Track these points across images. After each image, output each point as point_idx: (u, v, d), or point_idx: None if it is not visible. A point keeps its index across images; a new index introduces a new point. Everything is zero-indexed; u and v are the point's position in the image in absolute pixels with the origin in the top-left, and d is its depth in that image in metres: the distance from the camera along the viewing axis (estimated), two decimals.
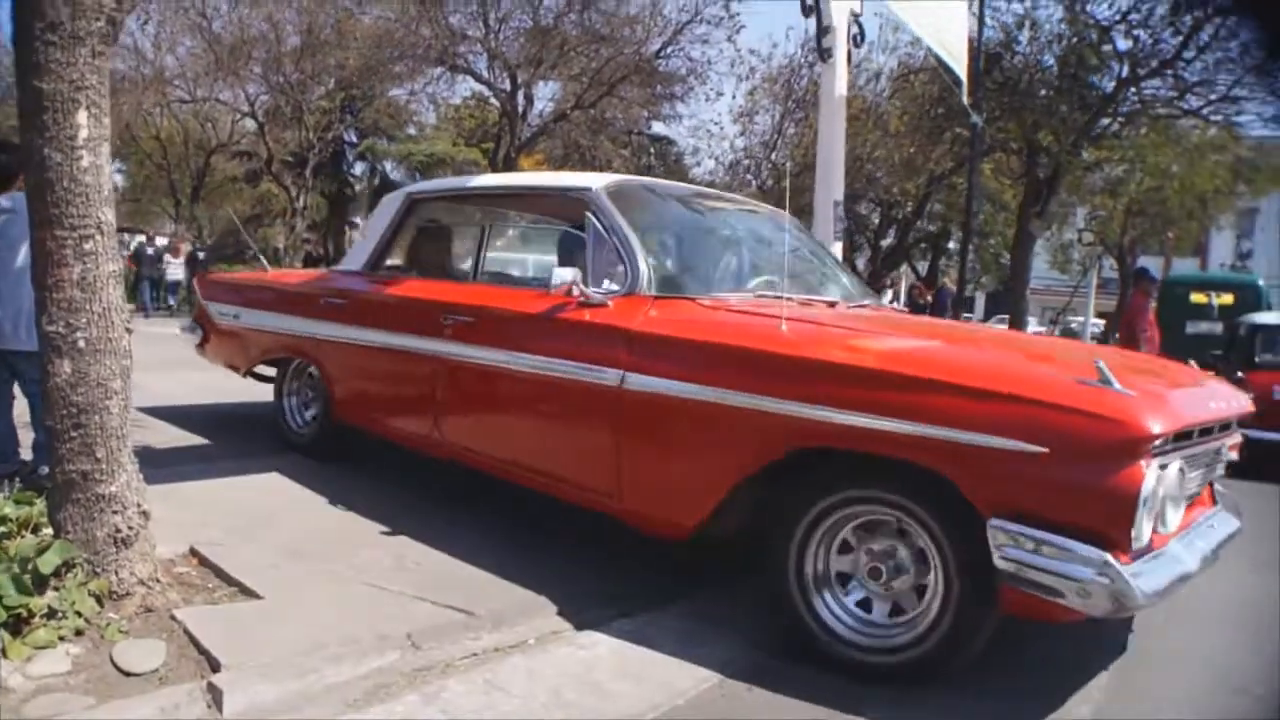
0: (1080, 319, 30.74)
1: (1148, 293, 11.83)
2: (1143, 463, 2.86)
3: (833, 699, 3.13)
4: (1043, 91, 15.72)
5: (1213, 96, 15.94)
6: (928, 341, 4.03)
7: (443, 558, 4.22)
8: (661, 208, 5.11)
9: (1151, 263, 38.24)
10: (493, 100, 25.73)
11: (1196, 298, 15.63)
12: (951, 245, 28.31)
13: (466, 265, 6.13)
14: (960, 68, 10.60)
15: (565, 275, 4.19)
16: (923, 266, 30.55)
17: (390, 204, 5.99)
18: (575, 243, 4.86)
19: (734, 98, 24.97)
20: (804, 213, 8.46)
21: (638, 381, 3.89)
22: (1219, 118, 16.72)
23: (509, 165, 24.11)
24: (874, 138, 20.48)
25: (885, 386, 3.21)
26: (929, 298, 22.84)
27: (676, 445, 3.88)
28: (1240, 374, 10.69)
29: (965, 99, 11.28)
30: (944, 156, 20.09)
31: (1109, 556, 2.81)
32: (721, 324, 3.97)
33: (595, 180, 4.75)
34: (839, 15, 8.20)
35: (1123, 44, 15.69)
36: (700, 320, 4.03)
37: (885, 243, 27.72)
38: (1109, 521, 2.88)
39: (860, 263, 26.58)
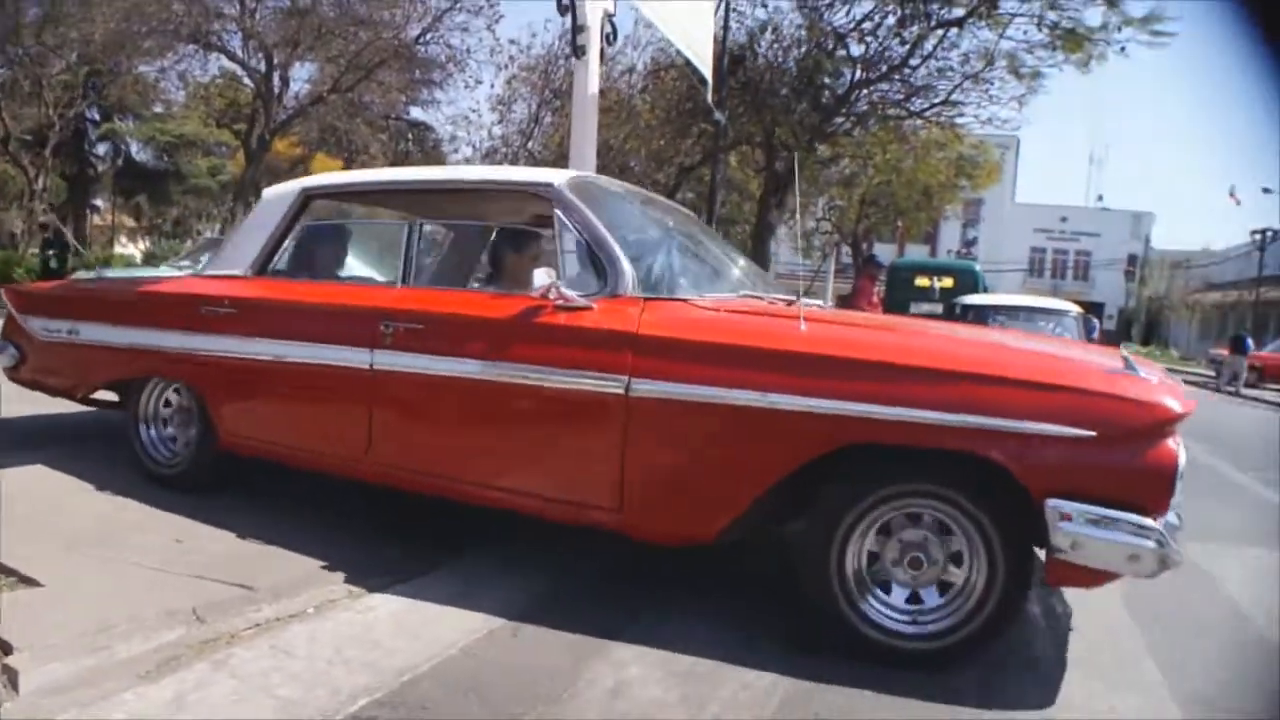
0: (819, 302, 32.53)
1: (873, 277, 12.94)
2: (1174, 440, 3.22)
3: (586, 642, 3.50)
4: (782, 92, 16.63)
5: (935, 100, 17.34)
6: (953, 337, 4.32)
7: (221, 538, 4.26)
8: (618, 205, 4.74)
9: (886, 250, 40.77)
10: (246, 81, 25.06)
11: (920, 281, 17.05)
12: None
13: (389, 267, 5.26)
14: (706, 68, 11.15)
15: (544, 277, 3.89)
16: None
17: (278, 200, 5.26)
18: (518, 241, 4.92)
19: (492, 86, 25.23)
20: None
21: (648, 387, 3.69)
22: (941, 119, 18.17)
23: (264, 148, 23.59)
24: (626, 130, 21.13)
25: (944, 382, 3.33)
26: None
27: (699, 451, 3.73)
28: None
29: (710, 97, 11.87)
30: (693, 149, 20.89)
31: (1159, 525, 3.13)
32: (743, 326, 3.86)
33: (556, 175, 4.48)
34: (593, 14, 8.27)
35: (856, 50, 16.86)
36: (712, 322, 3.88)
37: None
38: (1152, 494, 3.17)
39: None
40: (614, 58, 20.81)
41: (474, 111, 31.47)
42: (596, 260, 4.09)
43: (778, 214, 18.62)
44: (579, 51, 8.46)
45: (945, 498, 3.39)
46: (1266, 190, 46.79)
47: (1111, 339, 44.39)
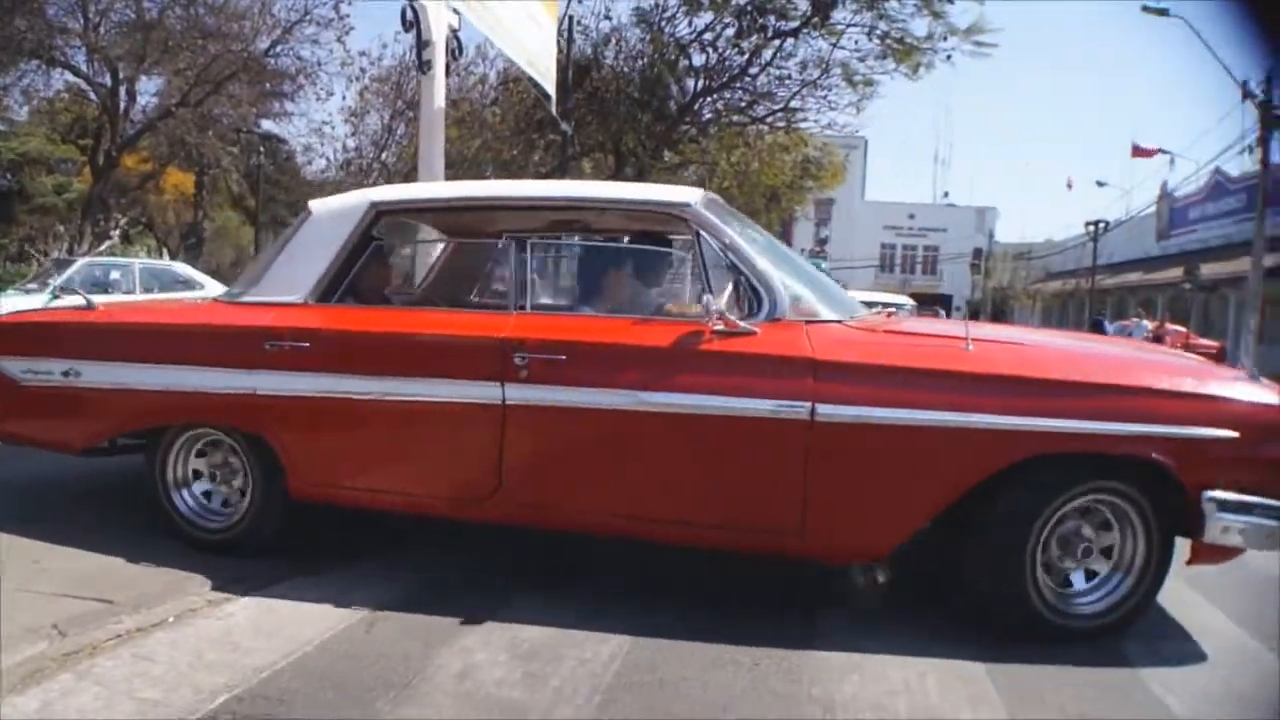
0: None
1: None
2: None
3: (437, 631, 3.70)
4: (628, 101, 17.13)
5: (776, 107, 18.09)
6: (1099, 349, 4.85)
7: (81, 556, 4.27)
8: (741, 225, 4.53)
9: None
10: (92, 96, 24.60)
11: None
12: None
13: (497, 291, 4.96)
14: (548, 82, 11.49)
15: (717, 303, 3.85)
16: None
17: (339, 217, 4.66)
18: (658, 262, 4.70)
19: (344, 98, 25.17)
20: None
21: (833, 411, 3.72)
22: (783, 124, 18.95)
23: (111, 164, 23.22)
24: (477, 143, 21.40)
25: (1119, 395, 3.74)
26: None
27: (887, 470, 3.81)
28: None
29: (554, 109, 12.28)
30: (545, 159, 21.27)
31: None
32: (918, 349, 4.03)
33: (691, 194, 4.33)
34: (438, 30, 8.51)
35: (698, 59, 17.50)
36: (885, 345, 4.03)
37: None
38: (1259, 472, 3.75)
39: None
40: (466, 68, 21.11)
41: (327, 124, 31.13)
42: (741, 283, 4.05)
43: None
44: (424, 67, 8.60)
45: (1122, 494, 3.80)
46: (1100, 184, 49.49)
47: None
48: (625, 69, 17.68)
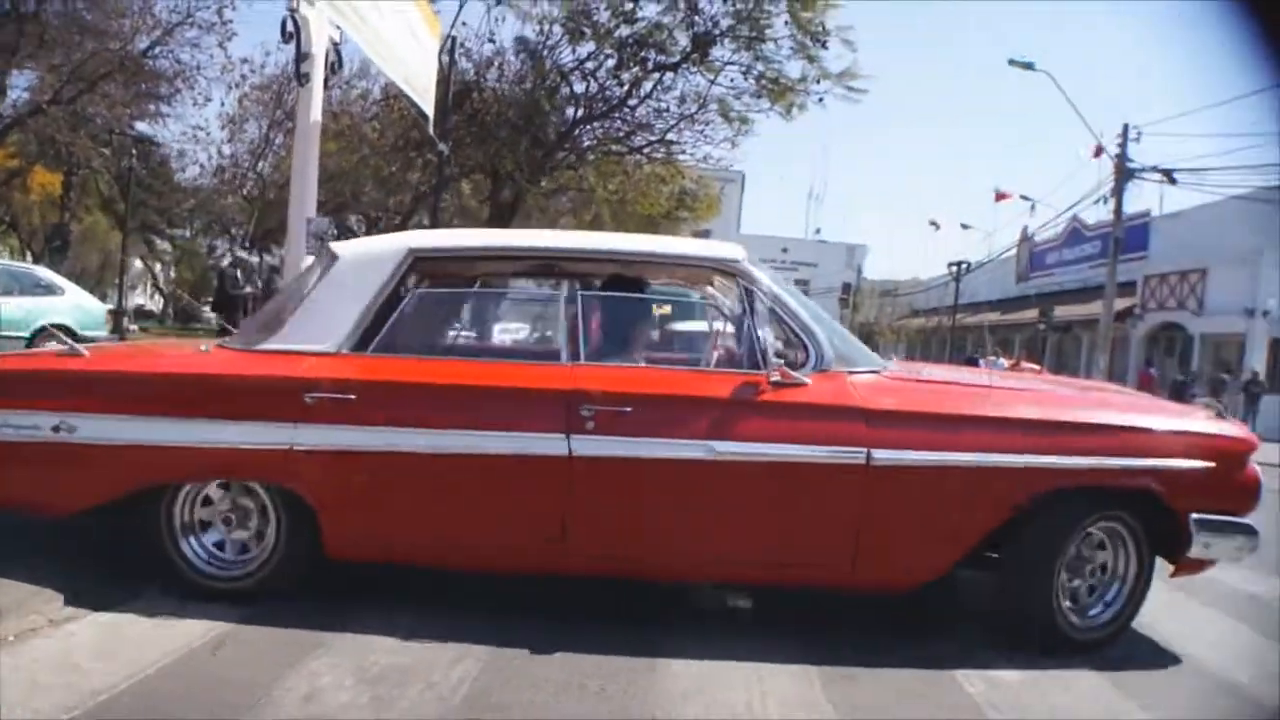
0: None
1: None
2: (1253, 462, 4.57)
3: (283, 654, 3.64)
4: (508, 125, 17.34)
5: (653, 138, 18.55)
6: (1098, 394, 5.63)
7: None
8: (779, 278, 4.71)
9: None
10: None
11: None
12: None
13: (545, 341, 4.90)
14: (427, 103, 11.49)
15: (776, 356, 4.11)
16: None
17: (374, 262, 4.52)
18: (702, 314, 4.90)
19: (223, 104, 24.78)
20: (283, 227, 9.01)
21: (888, 455, 4.03)
22: (659, 156, 19.42)
23: None
24: (354, 158, 21.43)
25: (1125, 434, 4.33)
26: None
27: (934, 508, 4.18)
28: None
29: (431, 130, 12.38)
30: (423, 177, 21.34)
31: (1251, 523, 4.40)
32: (958, 396, 4.53)
33: (738, 250, 4.52)
34: (318, 43, 8.49)
35: (580, 87, 17.85)
36: (926, 393, 4.49)
37: None
38: (1249, 504, 4.46)
39: None
40: (349, 82, 21.11)
41: (202, 130, 30.50)
42: (788, 334, 4.31)
43: None
44: (303, 79, 8.44)
45: (1120, 519, 4.37)
46: (965, 226, 51.36)
47: None
48: (506, 92, 17.89)
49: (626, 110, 17.71)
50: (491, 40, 17.79)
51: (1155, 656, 4.62)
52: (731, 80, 16.96)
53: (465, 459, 4.10)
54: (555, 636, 3.98)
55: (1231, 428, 4.77)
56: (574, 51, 17.44)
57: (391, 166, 21.02)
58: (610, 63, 17.07)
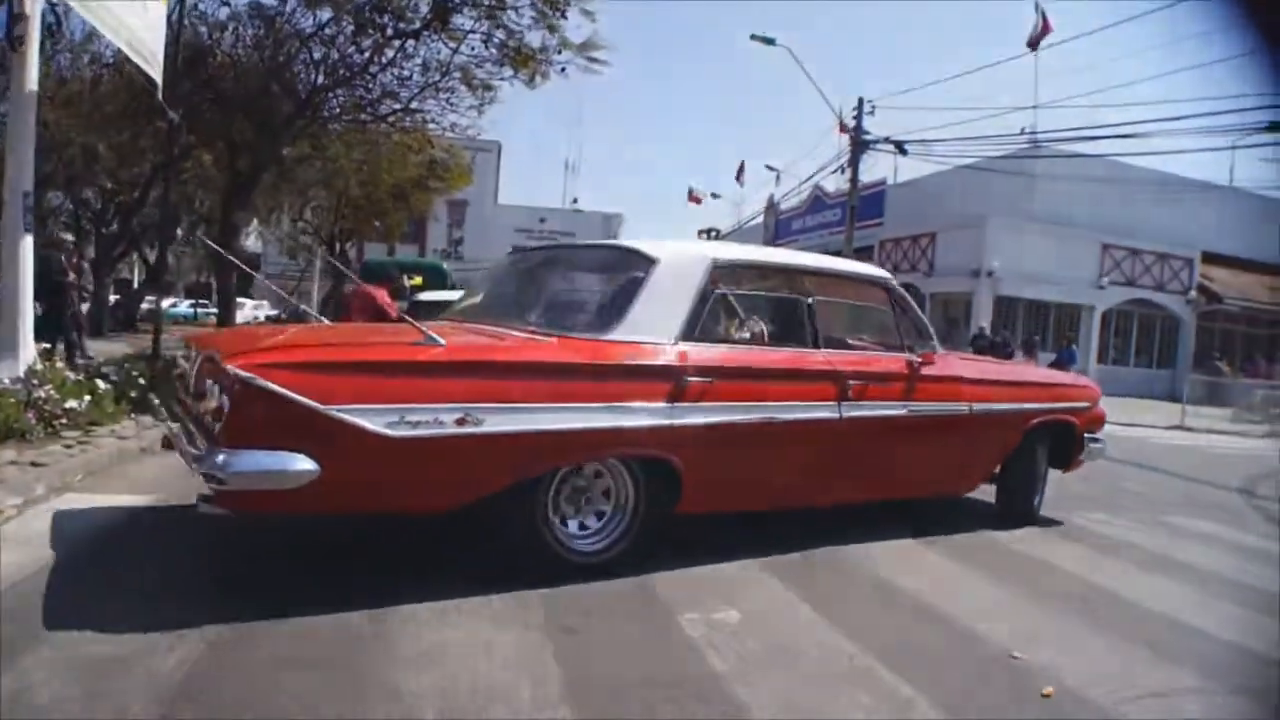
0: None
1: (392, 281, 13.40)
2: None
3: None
4: (245, 93, 16.82)
5: (397, 107, 18.36)
6: (1027, 367, 9.77)
7: None
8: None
9: (379, 250, 41.47)
10: None
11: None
12: (179, 233, 28.84)
13: (803, 333, 5.89)
14: (154, 68, 10.89)
15: (921, 345, 6.58)
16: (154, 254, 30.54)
17: (688, 268, 5.37)
18: (875, 315, 6.67)
19: None
20: None
21: (979, 408, 6.69)
22: (405, 125, 19.25)
23: None
24: (80, 124, 20.27)
25: (1064, 389, 7.99)
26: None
27: (991, 441, 7.01)
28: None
29: (160, 95, 11.87)
30: (158, 145, 20.47)
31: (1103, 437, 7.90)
32: (988, 365, 8.09)
33: (885, 273, 6.86)
34: (33, 2, 8.19)
35: (319, 54, 17.45)
36: (976, 364, 7.77)
37: (110, 230, 27.47)
38: (1101, 426, 8.07)
39: (92, 251, 26.08)
40: (80, 45, 20.04)
41: None
42: (919, 330, 6.68)
43: (243, 214, 18.85)
44: (15, 43, 8.11)
45: (1048, 440, 7.52)
46: (715, 195, 52.96)
47: None
48: (244, 59, 17.37)
49: (369, 78, 17.42)
50: (226, 3, 17.24)
51: (871, 590, 5.19)
52: (474, 49, 16.92)
53: (782, 426, 5.45)
54: (282, 612, 4.00)
55: (1089, 381, 8.46)
56: (314, 17, 17.04)
57: (123, 135, 20.04)
58: (350, 29, 16.76)
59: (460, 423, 4.22)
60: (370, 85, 17.79)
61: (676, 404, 4.91)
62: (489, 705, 3.33)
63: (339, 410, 3.97)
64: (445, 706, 3.29)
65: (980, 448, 6.92)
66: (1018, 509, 7.33)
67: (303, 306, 9.46)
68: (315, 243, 34.21)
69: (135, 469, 6.98)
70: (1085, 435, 7.64)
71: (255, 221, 32.29)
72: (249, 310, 41.22)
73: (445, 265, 20.70)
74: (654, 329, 5.05)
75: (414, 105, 18.18)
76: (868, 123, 28.95)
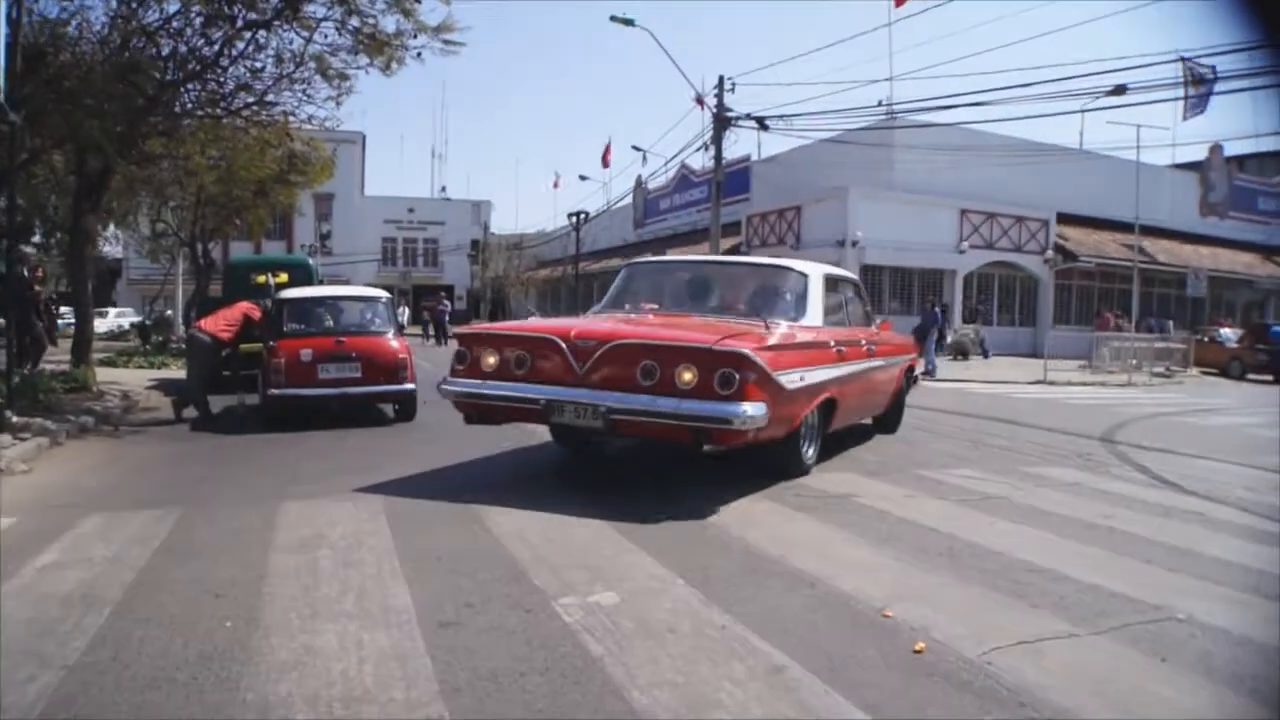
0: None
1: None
2: None
3: None
4: (92, 92, 16.34)
5: (251, 100, 17.94)
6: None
7: None
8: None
9: (245, 248, 40.65)
10: None
11: (259, 278, 17.37)
12: (37, 239, 27.86)
13: (851, 318, 10.40)
14: None
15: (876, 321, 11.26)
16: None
17: (818, 279, 9.29)
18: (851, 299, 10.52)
19: None
20: None
21: (904, 359, 12.15)
22: (260, 118, 18.83)
23: None
24: None
25: (907, 343, 13.28)
26: None
27: (898, 384, 11.87)
28: (273, 343, 12.67)
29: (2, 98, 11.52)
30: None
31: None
32: (889, 333, 11.72)
33: (854, 276, 11.51)
34: None
35: (168, 48, 16.94)
36: (888, 332, 11.63)
37: None
38: (916, 367, 13.71)
39: None
40: None
41: None
42: (867, 306, 11.12)
43: (94, 218, 18.28)
44: None
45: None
46: (583, 177, 53.11)
47: (462, 318, 47.85)
48: (89, 55, 16.82)
49: (220, 71, 16.99)
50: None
51: (742, 558, 5.37)
52: (327, 37, 16.62)
53: (863, 372, 9.69)
54: (145, 631, 4.03)
55: (904, 337, 13.24)
56: (161, 10, 16.55)
57: None
58: (199, 21, 16.34)
59: (800, 380, 7.69)
60: (223, 79, 17.34)
61: (837, 364, 8.67)
62: (362, 708, 3.34)
63: (779, 374, 7.30)
64: (315, 715, 3.28)
65: (896, 389, 11.70)
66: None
67: (168, 311, 9.38)
68: (176, 245, 33.35)
69: None
70: (913, 372, 12.75)
71: (112, 225, 31.31)
72: (112, 319, 39.95)
73: (312, 261, 20.42)
74: (815, 317, 8.80)
75: (269, 98, 17.75)
76: (730, 100, 29.39)
